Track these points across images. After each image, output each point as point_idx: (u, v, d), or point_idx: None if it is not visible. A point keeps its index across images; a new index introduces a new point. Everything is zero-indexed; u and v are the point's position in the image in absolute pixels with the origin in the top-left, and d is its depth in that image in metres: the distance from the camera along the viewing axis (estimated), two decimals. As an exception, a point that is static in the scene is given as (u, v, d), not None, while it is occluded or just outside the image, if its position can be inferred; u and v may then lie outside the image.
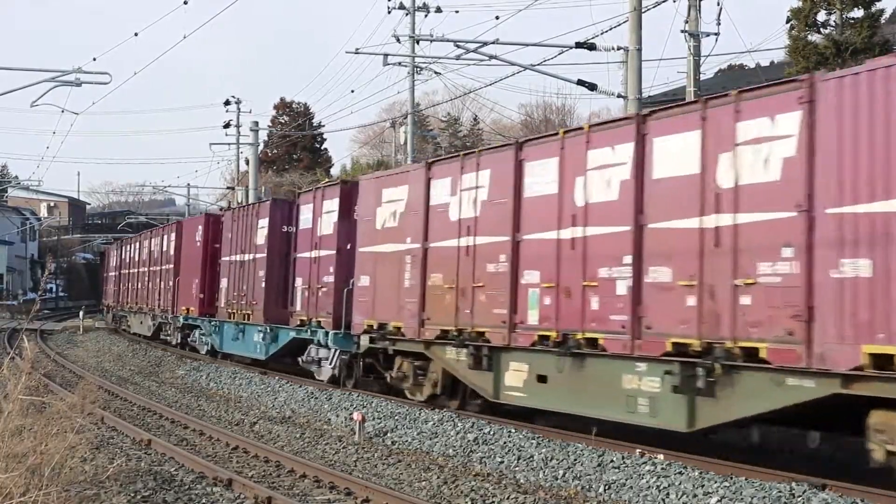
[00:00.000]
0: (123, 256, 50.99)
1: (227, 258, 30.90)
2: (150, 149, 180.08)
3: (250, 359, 29.41)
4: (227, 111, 57.44)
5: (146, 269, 42.97)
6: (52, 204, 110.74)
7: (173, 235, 37.72)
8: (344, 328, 22.27)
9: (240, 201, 52.71)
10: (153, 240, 42.30)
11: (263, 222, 28.21)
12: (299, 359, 25.10)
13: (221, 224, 32.45)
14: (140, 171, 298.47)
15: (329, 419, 19.83)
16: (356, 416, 17.85)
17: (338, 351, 22.88)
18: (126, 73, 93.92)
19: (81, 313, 57.16)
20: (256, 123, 54.28)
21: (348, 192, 23.11)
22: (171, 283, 36.91)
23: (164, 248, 39.13)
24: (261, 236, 28.27)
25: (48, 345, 41.85)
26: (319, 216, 24.16)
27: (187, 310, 34.38)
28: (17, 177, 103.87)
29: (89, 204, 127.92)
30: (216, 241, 32.60)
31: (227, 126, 57.60)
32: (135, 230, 70.55)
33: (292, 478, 13.95)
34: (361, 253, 21.54)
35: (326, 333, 23.19)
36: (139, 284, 44.75)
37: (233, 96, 57.64)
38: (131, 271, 47.59)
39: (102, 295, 64.26)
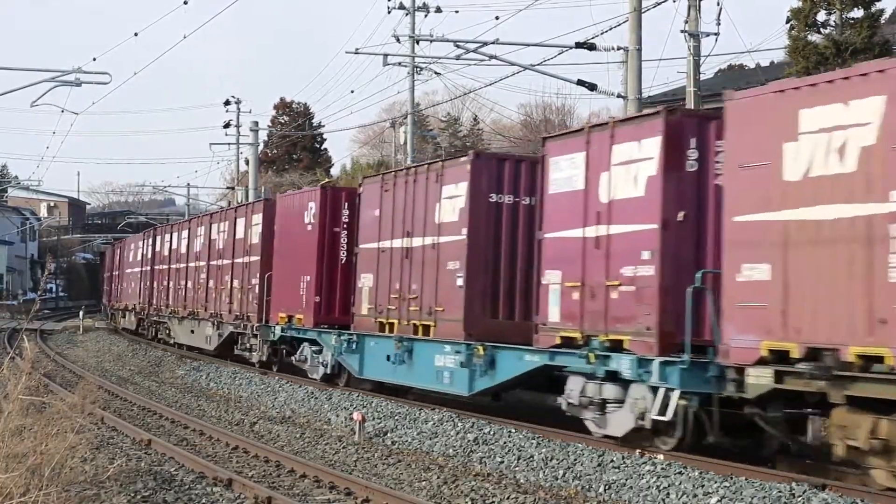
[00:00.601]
0: (158, 248, 41.95)
1: (374, 245, 21.90)
2: (150, 149, 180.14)
3: (433, 393, 20.56)
4: (227, 111, 57.54)
5: (204, 263, 33.86)
6: (52, 204, 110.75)
7: (257, 218, 28.79)
8: (688, 353, 13.77)
9: (239, 201, 52.67)
10: (216, 225, 33.11)
11: (455, 189, 19.23)
12: (561, 400, 16.11)
13: (354, 198, 23.95)
14: (140, 171, 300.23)
15: (329, 419, 19.82)
16: (356, 416, 17.85)
17: (675, 393, 13.84)
18: (126, 73, 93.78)
19: (81, 313, 57.16)
20: (256, 123, 54.34)
21: (678, 127, 14.55)
22: (253, 282, 28.33)
23: (240, 236, 30.15)
24: (449, 210, 19.33)
25: (48, 345, 41.85)
26: (605, 170, 15.26)
27: (288, 318, 25.50)
28: (17, 177, 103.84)
29: (89, 204, 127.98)
30: (336, 222, 24.29)
31: (227, 126, 57.67)
32: (135, 230, 70.38)
33: (292, 478, 13.95)
34: (743, 224, 13.00)
35: (640, 362, 14.29)
36: (189, 283, 35.68)
37: (233, 96, 57.72)
38: (174, 266, 38.48)
39: (107, 295, 59.41)
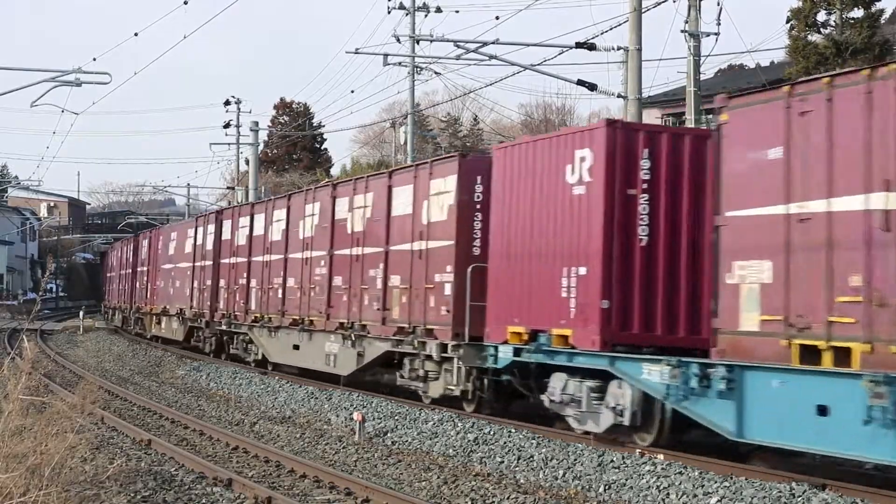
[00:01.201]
0: (228, 237, 32.69)
1: (771, 210, 13.00)
2: (150, 149, 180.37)
3: None
4: (227, 111, 57.66)
5: (322, 252, 24.77)
6: (52, 204, 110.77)
7: (443, 183, 19.69)
8: None
9: (240, 201, 52.66)
10: (343, 200, 24.06)
11: None
12: None
13: (657, 141, 15.77)
14: (140, 171, 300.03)
15: (329, 419, 19.82)
16: (356, 416, 17.85)
17: None
18: (126, 73, 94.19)
19: (81, 313, 57.14)
20: (256, 123, 54.39)
21: None
22: (438, 279, 19.49)
23: (400, 212, 21.18)
24: None
25: (48, 345, 41.83)
26: None
27: (531, 333, 16.80)
28: (17, 177, 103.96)
29: (89, 204, 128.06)
30: (632, 181, 15.57)
31: (227, 126, 57.77)
32: (135, 230, 70.22)
33: (292, 478, 13.96)
34: None
35: None
36: (292, 281, 26.65)
37: (233, 96, 57.82)
38: (259, 259, 29.32)
39: (121, 296, 54.35)
